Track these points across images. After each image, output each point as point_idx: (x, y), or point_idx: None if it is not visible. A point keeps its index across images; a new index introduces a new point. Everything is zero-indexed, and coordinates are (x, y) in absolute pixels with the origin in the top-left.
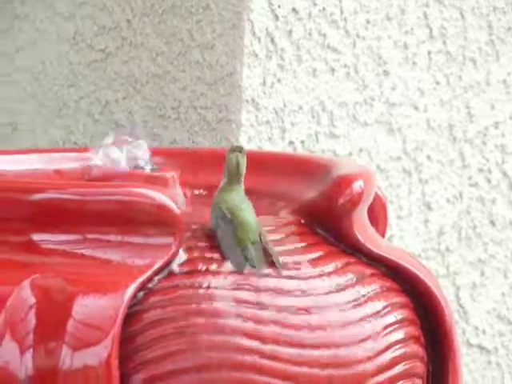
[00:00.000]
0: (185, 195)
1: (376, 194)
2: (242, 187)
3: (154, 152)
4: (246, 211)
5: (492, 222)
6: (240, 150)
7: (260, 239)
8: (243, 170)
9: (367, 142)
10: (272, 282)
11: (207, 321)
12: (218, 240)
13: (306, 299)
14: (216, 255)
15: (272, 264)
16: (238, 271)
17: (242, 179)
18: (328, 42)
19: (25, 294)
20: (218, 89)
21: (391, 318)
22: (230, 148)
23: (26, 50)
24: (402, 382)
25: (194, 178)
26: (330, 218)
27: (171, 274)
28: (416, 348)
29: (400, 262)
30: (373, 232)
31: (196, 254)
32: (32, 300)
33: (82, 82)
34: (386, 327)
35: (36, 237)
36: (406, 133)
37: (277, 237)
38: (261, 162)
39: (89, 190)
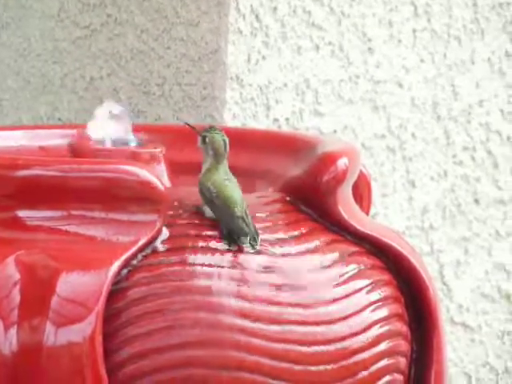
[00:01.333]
0: (169, 172)
1: (360, 171)
2: (226, 165)
3: (139, 128)
4: (231, 187)
5: (476, 201)
6: (217, 129)
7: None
8: (228, 150)
9: (352, 120)
10: (256, 259)
11: (191, 298)
12: (215, 216)
13: (290, 276)
14: (200, 232)
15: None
16: (240, 243)
17: (227, 157)
18: (313, 20)
19: (9, 270)
20: (202, 66)
21: (375, 296)
22: (208, 129)
23: (10, 27)
24: (385, 359)
25: (179, 155)
26: (314, 195)
27: (155, 250)
28: (400, 326)
29: (384, 239)
30: (357, 209)
31: (180, 231)
32: (16, 276)
33: (67, 59)
34: (369, 305)
35: (21, 213)
36: (391, 110)
37: (261, 214)
38: (245, 140)
39: (73, 167)
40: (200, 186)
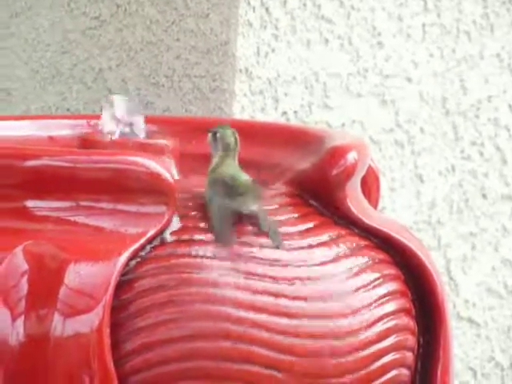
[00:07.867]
0: (178, 163)
1: (369, 165)
2: (237, 162)
3: (148, 120)
4: (246, 180)
5: (484, 196)
6: (227, 126)
7: (257, 210)
8: (239, 146)
9: (360, 114)
10: (265, 253)
11: (199, 290)
12: (210, 209)
13: (298, 270)
14: (209, 224)
15: (266, 235)
16: (224, 244)
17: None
18: (322, 13)
19: (17, 260)
20: (211, 58)
21: (383, 290)
22: (220, 126)
23: (20, 17)
24: (392, 354)
25: (188, 147)
26: (323, 189)
27: (164, 242)
28: (407, 320)
29: (392, 234)
30: (365, 204)
31: (189, 222)
32: (24, 267)
33: (76, 49)
34: (377, 299)
35: (29, 203)
36: (399, 105)
37: (270, 207)
38: (254, 132)
39: (82, 158)
40: (213, 179)
